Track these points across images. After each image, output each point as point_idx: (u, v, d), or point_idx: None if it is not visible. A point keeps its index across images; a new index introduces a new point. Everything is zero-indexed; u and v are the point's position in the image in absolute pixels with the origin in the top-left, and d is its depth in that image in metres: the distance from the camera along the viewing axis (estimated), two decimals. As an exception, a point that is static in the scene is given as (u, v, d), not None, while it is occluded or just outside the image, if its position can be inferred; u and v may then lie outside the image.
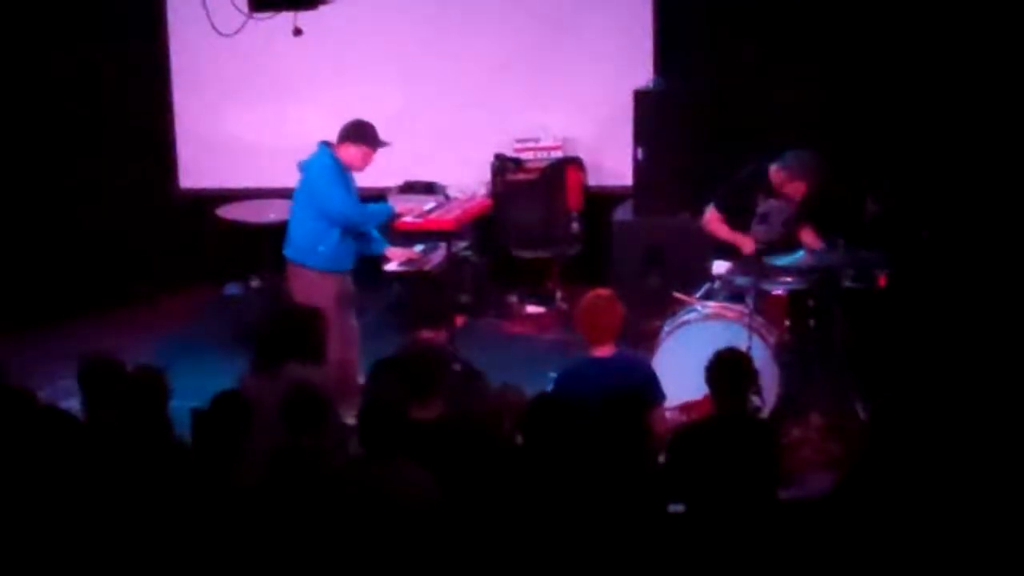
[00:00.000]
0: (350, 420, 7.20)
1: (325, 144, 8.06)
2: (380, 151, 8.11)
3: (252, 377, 6.72)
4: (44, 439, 5.89)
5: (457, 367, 6.82)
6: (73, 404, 6.36)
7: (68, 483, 5.67)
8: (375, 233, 8.29)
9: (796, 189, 8.19)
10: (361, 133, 8.03)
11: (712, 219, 8.36)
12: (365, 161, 8.07)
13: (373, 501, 5.45)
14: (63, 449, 5.86)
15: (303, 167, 8.08)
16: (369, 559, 5.35)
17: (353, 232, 8.05)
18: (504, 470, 5.67)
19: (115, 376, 6.14)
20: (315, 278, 7.99)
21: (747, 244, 8.18)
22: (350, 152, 8.02)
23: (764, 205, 8.28)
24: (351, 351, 8.05)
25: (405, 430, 5.66)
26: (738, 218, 8.28)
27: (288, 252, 8.14)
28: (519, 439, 5.88)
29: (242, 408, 5.79)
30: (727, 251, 8.29)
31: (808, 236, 8.36)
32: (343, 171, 8.02)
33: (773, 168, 8.22)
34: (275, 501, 5.53)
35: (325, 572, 5.39)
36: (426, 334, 7.01)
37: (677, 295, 8.30)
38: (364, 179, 8.26)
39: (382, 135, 8.09)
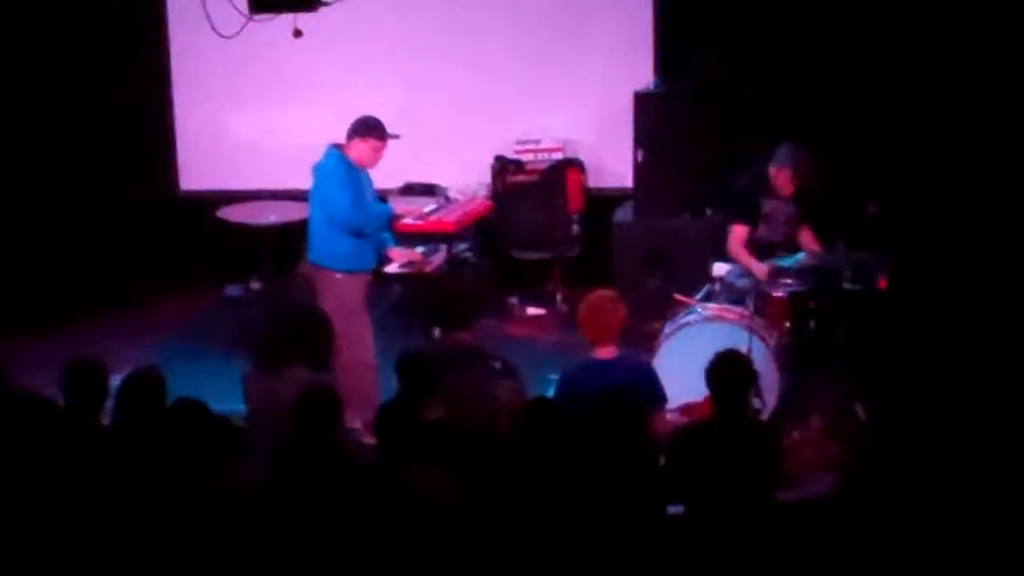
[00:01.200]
0: (356, 424, 7.25)
1: (333, 146, 8.04)
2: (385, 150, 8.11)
3: (256, 377, 6.73)
4: (51, 439, 5.90)
5: (497, 364, 6.83)
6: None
7: (69, 484, 5.68)
8: (383, 232, 8.30)
9: (784, 178, 8.22)
10: (369, 127, 8.00)
11: (738, 237, 8.29)
12: (376, 156, 8.03)
13: (395, 504, 5.46)
14: (65, 451, 5.86)
15: (314, 170, 8.07)
16: (384, 562, 5.35)
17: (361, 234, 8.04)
18: (504, 471, 5.67)
19: (99, 379, 6.10)
20: (342, 280, 7.96)
21: (761, 272, 8.11)
22: (360, 148, 7.99)
23: (767, 206, 8.30)
24: (371, 354, 8.03)
25: (420, 432, 5.66)
26: (753, 223, 8.29)
27: (311, 256, 8.09)
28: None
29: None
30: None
31: (806, 238, 8.36)
32: (353, 171, 7.97)
33: (770, 168, 8.26)
34: (280, 499, 5.53)
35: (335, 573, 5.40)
36: (461, 335, 7.04)
37: (677, 297, 8.31)
38: (364, 181, 8.25)
39: None
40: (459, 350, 6.88)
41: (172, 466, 5.62)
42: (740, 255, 8.26)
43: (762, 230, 8.30)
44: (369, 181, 8.15)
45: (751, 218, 8.28)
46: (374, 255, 8.18)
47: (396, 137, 8.09)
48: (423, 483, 5.51)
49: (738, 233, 8.30)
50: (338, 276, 7.96)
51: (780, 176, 8.21)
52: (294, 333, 6.81)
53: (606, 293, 6.94)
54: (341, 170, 7.92)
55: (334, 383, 6.64)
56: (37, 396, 6.23)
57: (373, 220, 8.11)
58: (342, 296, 7.91)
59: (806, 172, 8.20)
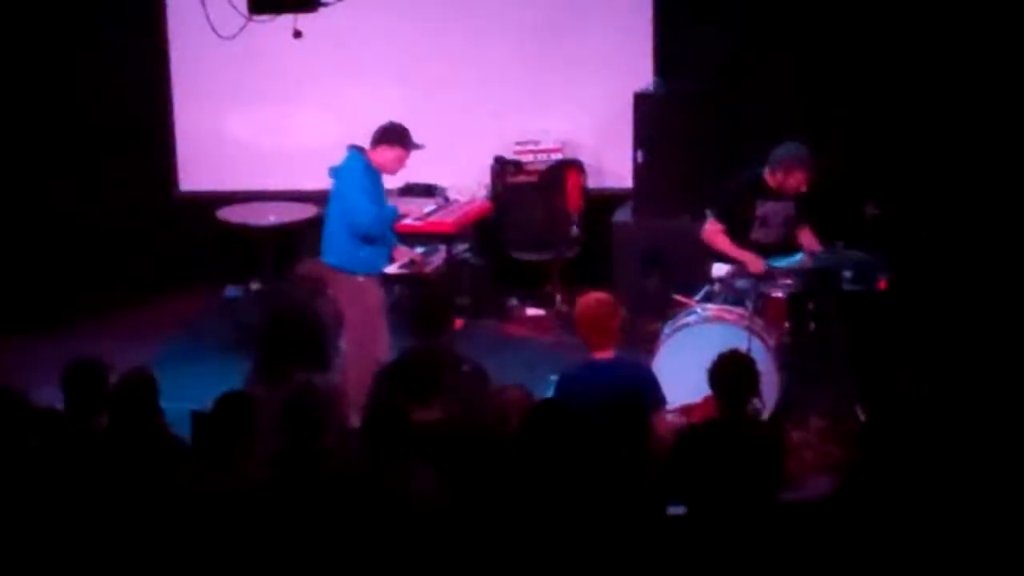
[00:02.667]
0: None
1: (356, 149, 8.03)
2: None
3: (256, 385, 6.70)
4: (38, 440, 5.89)
5: (467, 368, 6.81)
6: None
7: (62, 484, 5.67)
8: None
9: (798, 180, 8.11)
10: (396, 136, 8.01)
11: (713, 232, 8.20)
12: (399, 164, 8.05)
13: (380, 501, 5.45)
14: (58, 451, 5.85)
15: (334, 173, 8.05)
16: (374, 560, 5.35)
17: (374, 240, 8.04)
18: (507, 472, 5.66)
19: (99, 380, 6.07)
20: (362, 283, 7.98)
21: (754, 263, 8.04)
22: (386, 155, 7.99)
23: (762, 208, 8.25)
24: (388, 352, 8.03)
25: (408, 432, 5.65)
26: (738, 225, 8.22)
27: (330, 259, 8.08)
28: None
29: (245, 408, 5.75)
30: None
31: (807, 238, 8.34)
32: (375, 177, 7.98)
33: (767, 171, 8.18)
34: (278, 503, 5.52)
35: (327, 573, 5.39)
36: (433, 341, 7.02)
37: (677, 297, 8.31)
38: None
39: None
40: (432, 355, 6.83)
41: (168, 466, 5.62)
42: (723, 245, 8.14)
43: (759, 233, 8.24)
44: (382, 186, 8.17)
45: (734, 221, 8.20)
46: (388, 256, 8.21)
47: (421, 147, 8.08)
48: (409, 482, 5.48)
49: (713, 226, 8.21)
50: (360, 279, 7.98)
51: (791, 178, 8.09)
52: (293, 341, 6.77)
53: (602, 296, 6.90)
54: (365, 177, 7.93)
55: (337, 383, 6.66)
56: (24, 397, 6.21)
57: (384, 222, 8.13)
58: (364, 298, 7.95)
59: (815, 166, 8.14)
